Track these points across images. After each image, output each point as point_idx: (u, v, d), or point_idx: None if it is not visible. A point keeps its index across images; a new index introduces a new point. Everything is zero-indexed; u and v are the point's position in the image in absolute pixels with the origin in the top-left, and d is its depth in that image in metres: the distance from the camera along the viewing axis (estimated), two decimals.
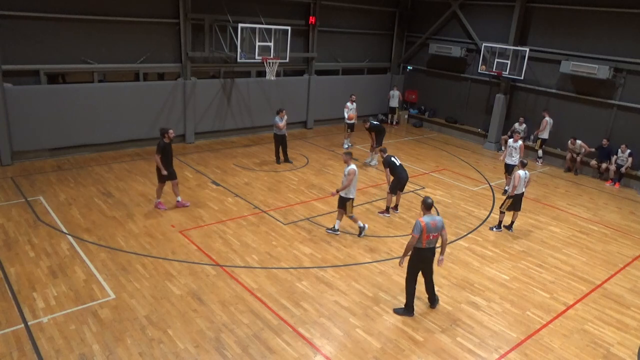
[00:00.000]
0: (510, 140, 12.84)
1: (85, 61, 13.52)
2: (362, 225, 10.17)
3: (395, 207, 11.55)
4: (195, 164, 13.99)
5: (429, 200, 7.29)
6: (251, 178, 13.15)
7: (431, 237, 7.23)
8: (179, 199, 10.88)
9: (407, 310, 7.70)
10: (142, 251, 8.97)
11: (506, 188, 13.08)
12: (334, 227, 10.22)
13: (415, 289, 7.63)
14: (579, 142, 15.46)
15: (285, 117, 14.11)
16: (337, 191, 9.84)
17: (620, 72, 15.02)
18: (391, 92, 20.53)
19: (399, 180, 11.11)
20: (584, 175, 15.71)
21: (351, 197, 9.76)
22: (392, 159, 11.05)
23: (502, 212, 10.96)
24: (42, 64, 12.89)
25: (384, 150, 11.50)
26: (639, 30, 14.59)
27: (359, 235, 10.18)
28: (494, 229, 11.05)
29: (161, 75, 15.40)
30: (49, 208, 10.42)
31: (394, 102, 20.46)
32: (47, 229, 9.52)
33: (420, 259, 7.43)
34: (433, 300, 7.91)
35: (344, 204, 9.84)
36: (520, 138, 12.88)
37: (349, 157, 9.77)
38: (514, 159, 12.64)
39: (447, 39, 19.58)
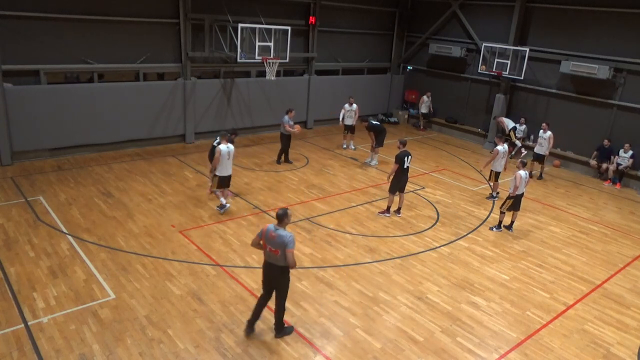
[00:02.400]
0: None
1: (85, 61, 13.53)
2: (224, 203, 10.75)
3: (398, 210, 11.46)
4: (195, 164, 13.99)
5: (280, 212, 6.42)
6: (251, 178, 13.15)
7: (268, 250, 6.43)
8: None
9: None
10: (142, 251, 8.98)
11: (493, 194, 12.99)
12: (221, 204, 10.84)
13: (259, 302, 6.85)
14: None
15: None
16: (211, 171, 10.66)
17: (620, 72, 15.02)
18: (423, 97, 20.16)
19: (398, 180, 11.11)
20: (583, 175, 15.71)
21: (218, 174, 10.46)
22: (405, 158, 10.96)
23: (502, 212, 10.96)
24: (42, 64, 12.89)
25: (403, 143, 11.24)
26: (639, 30, 14.61)
27: (218, 207, 10.79)
28: (494, 229, 11.06)
29: (161, 75, 15.39)
30: (49, 208, 10.42)
31: (424, 108, 20.13)
32: (47, 229, 9.52)
33: (263, 271, 6.72)
34: (276, 329, 6.93)
35: (213, 178, 10.67)
36: (506, 142, 12.60)
37: (223, 137, 10.51)
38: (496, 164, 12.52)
39: (447, 39, 19.58)
